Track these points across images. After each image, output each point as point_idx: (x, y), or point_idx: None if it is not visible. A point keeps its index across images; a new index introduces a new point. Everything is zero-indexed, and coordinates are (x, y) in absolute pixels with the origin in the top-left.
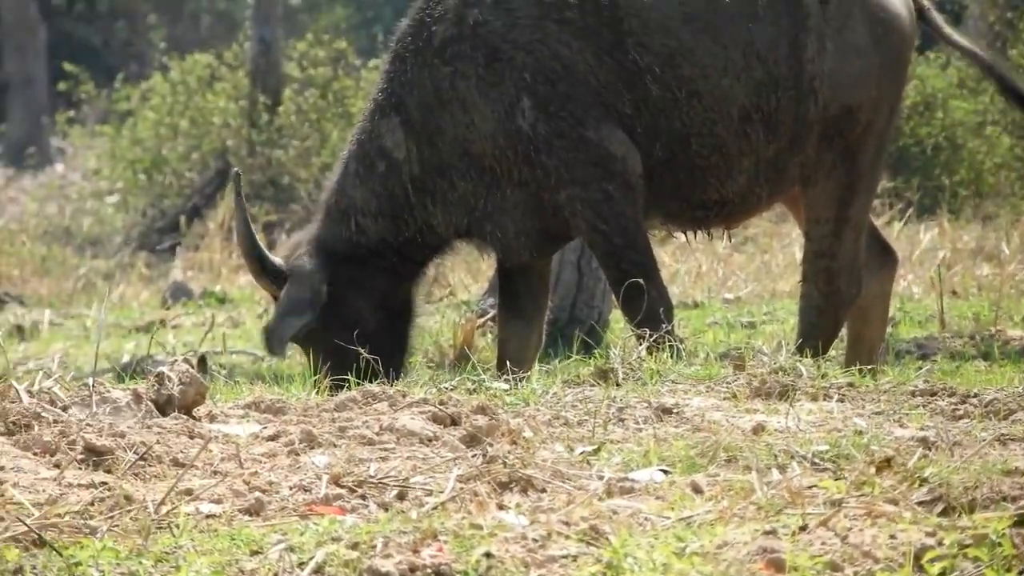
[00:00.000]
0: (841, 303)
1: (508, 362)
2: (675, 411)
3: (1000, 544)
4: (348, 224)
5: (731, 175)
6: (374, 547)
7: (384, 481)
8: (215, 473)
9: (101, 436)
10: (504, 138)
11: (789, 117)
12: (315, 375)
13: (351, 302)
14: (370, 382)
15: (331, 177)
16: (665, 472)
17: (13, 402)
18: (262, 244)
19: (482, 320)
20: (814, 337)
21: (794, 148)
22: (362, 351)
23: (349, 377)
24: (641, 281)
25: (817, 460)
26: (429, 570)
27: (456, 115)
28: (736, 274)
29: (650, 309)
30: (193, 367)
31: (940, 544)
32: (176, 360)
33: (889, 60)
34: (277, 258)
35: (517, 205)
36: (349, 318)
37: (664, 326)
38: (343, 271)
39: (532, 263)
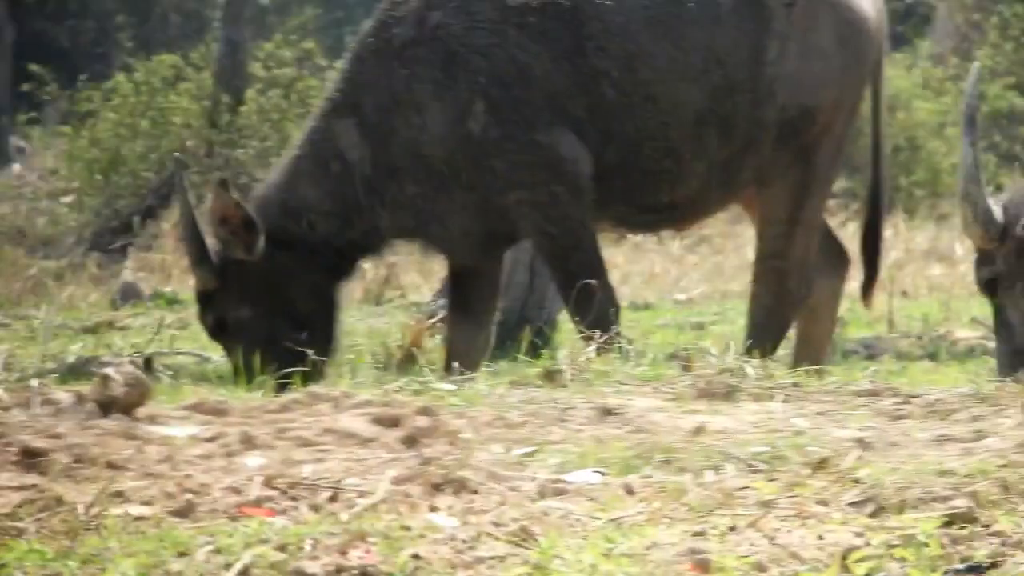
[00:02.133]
0: (791, 304)
1: (456, 363)
2: (618, 412)
3: (928, 544)
4: (300, 222)
5: (683, 179)
6: (302, 549)
7: (317, 483)
8: (148, 475)
9: (38, 438)
10: (455, 141)
11: (745, 121)
12: (239, 364)
13: (284, 296)
14: (308, 377)
15: (277, 174)
16: (600, 473)
17: None
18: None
19: (431, 321)
20: (763, 337)
21: (749, 151)
22: (291, 343)
23: (273, 368)
24: (591, 282)
25: (753, 461)
26: (356, 572)
27: (410, 117)
28: (689, 275)
29: (599, 310)
30: (138, 368)
31: (868, 544)
32: (121, 361)
33: (853, 62)
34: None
35: (465, 207)
36: (280, 311)
37: (613, 327)
38: (281, 265)
39: (481, 265)
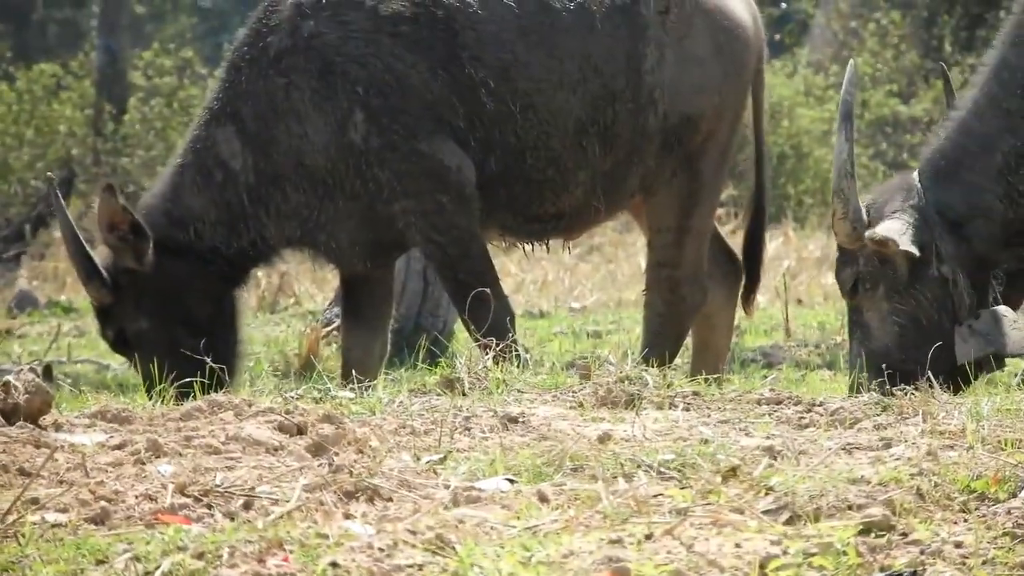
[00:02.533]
0: (685, 311)
1: (353, 371)
2: (521, 420)
3: (845, 552)
4: (187, 231)
5: (567, 188)
6: (220, 556)
7: (230, 490)
8: (61, 482)
9: None
10: (337, 151)
11: (627, 130)
12: (144, 376)
13: (180, 305)
14: (211, 386)
15: (161, 183)
16: (511, 481)
17: None
18: (90, 249)
19: (327, 329)
20: (659, 346)
21: (633, 160)
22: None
23: (177, 378)
24: (484, 290)
25: (663, 469)
26: None
27: (291, 126)
28: (582, 283)
29: (494, 319)
30: (38, 376)
31: (785, 553)
32: (21, 369)
33: (732, 69)
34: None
35: (351, 216)
36: (178, 320)
37: (510, 335)
38: (172, 275)
39: (372, 273)
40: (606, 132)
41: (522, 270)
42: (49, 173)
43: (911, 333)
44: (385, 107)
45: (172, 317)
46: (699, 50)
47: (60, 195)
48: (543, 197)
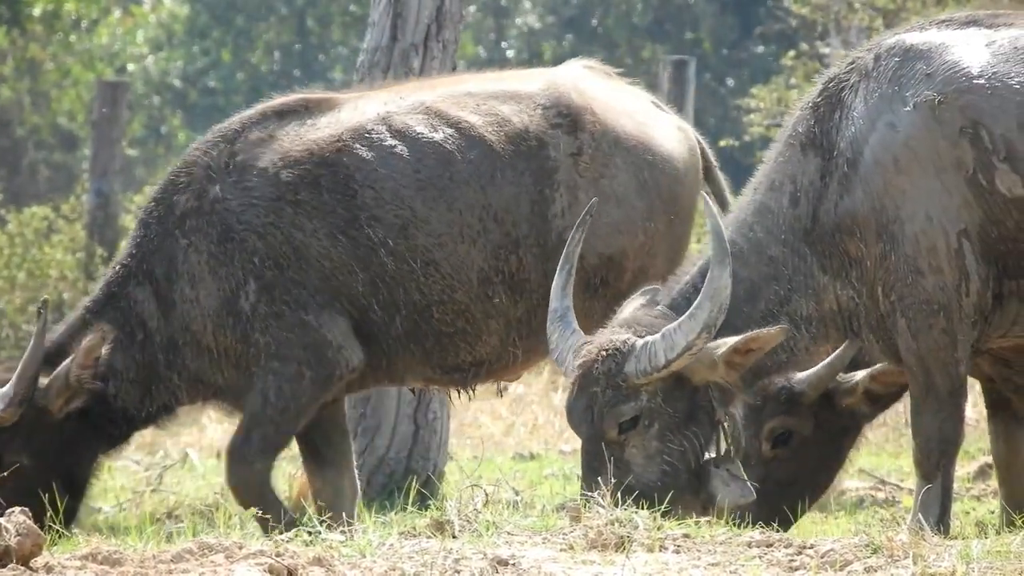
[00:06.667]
0: None
1: (328, 511)
2: (511, 562)
3: None
4: (106, 388)
5: (480, 338)
6: None
7: None
8: None
9: None
10: (225, 317)
11: (537, 274)
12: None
13: (61, 460)
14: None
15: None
16: None
17: None
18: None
19: None
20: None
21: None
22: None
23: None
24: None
25: None
26: None
27: (184, 290)
28: None
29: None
30: (29, 518)
31: None
32: (12, 512)
33: (659, 204)
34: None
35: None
36: (52, 472)
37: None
38: (70, 428)
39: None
40: (512, 279)
41: (512, 413)
42: (44, 297)
43: (681, 474)
44: (279, 279)
45: (49, 467)
46: (618, 188)
47: (47, 321)
48: (458, 348)
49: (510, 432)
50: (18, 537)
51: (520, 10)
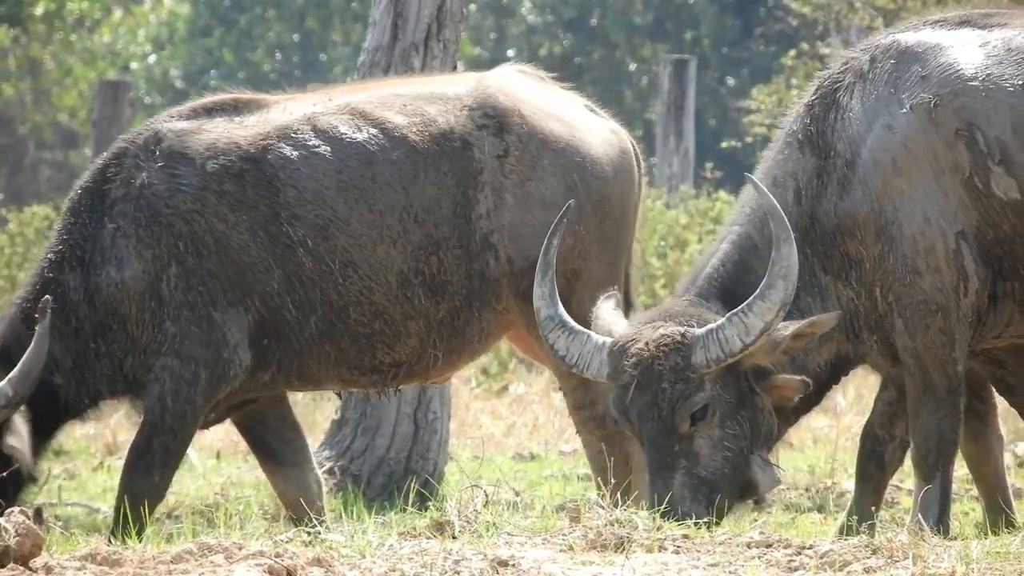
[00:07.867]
0: (622, 440)
1: (295, 510)
2: (511, 563)
3: None
4: (49, 379)
5: (399, 339)
6: None
7: None
8: None
9: None
10: (147, 300)
11: (459, 276)
12: None
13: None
14: None
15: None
16: None
17: None
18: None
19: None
20: (619, 479)
21: (474, 306)
22: None
23: None
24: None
25: None
26: None
27: (111, 273)
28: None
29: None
30: (29, 519)
31: None
32: (12, 512)
33: (588, 206)
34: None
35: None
36: None
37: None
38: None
39: (264, 413)
40: (433, 281)
41: (513, 413)
42: (47, 296)
43: (736, 460)
44: (198, 268)
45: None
46: (546, 191)
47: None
48: (375, 349)
49: (510, 432)
50: (17, 537)
51: (520, 10)
